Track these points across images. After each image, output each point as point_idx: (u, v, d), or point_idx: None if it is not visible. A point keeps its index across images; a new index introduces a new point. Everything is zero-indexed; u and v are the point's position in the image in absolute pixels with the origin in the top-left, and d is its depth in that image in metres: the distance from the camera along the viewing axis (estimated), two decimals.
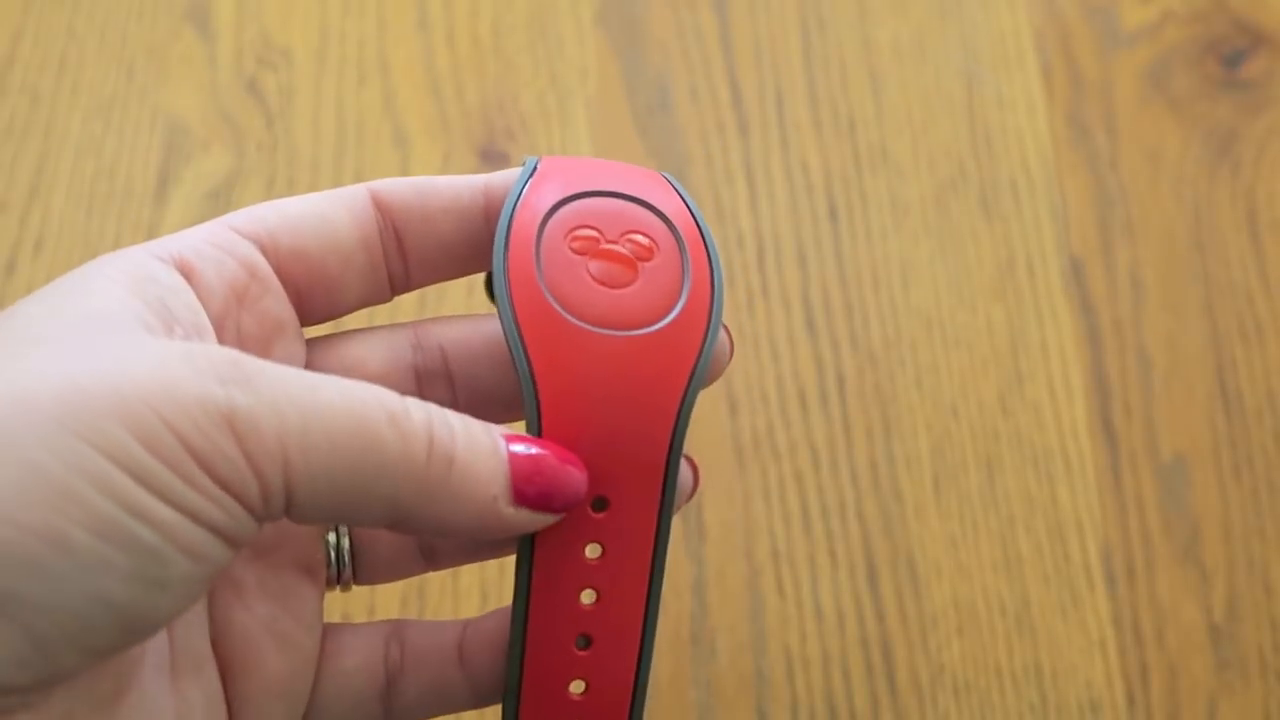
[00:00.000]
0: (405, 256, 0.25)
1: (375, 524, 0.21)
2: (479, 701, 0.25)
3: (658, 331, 0.23)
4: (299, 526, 0.24)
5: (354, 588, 0.26)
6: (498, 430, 0.22)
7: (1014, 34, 0.44)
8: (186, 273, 0.22)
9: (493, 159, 0.42)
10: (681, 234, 0.24)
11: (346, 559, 0.25)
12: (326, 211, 0.24)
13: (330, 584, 0.25)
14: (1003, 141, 0.42)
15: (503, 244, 0.23)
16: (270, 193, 0.42)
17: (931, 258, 0.41)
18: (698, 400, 0.23)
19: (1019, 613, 0.37)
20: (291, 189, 0.42)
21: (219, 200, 0.42)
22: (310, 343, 0.25)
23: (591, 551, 0.23)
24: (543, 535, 0.23)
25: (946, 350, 0.40)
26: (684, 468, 0.24)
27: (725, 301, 0.24)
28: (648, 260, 0.23)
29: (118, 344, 0.19)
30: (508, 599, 0.37)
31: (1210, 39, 0.44)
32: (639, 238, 0.24)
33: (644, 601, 0.23)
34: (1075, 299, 0.40)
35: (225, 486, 0.19)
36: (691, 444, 0.38)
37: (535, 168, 0.25)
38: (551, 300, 0.23)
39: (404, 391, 0.23)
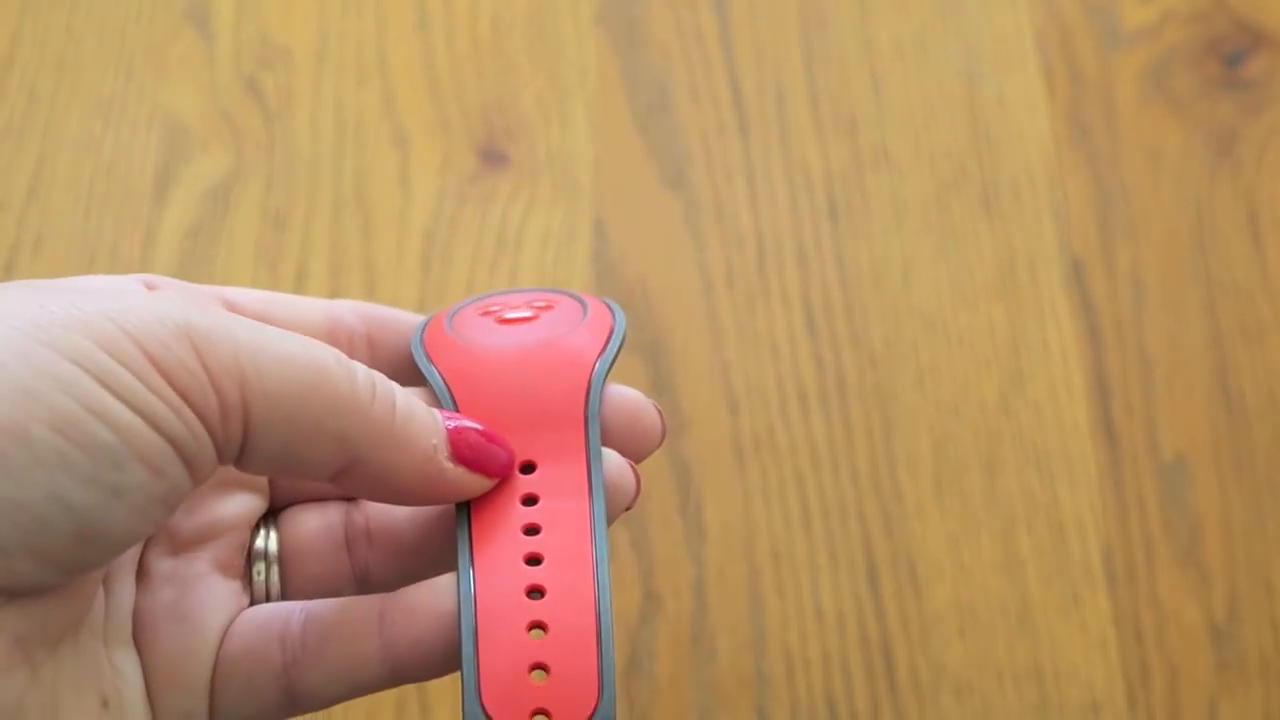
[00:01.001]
0: (373, 356, 0.26)
1: (326, 468, 0.21)
2: (395, 679, 0.23)
3: (559, 338, 0.25)
4: (221, 528, 0.24)
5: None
6: (435, 412, 0.23)
7: (1015, 34, 0.44)
8: None
9: (492, 159, 0.42)
10: (582, 296, 0.27)
11: (276, 579, 0.25)
12: (301, 302, 0.26)
13: (257, 597, 0.25)
14: (1004, 141, 0.42)
15: (420, 331, 0.26)
16: (269, 192, 0.42)
17: (932, 257, 0.41)
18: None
19: (1020, 613, 0.37)
20: (291, 188, 0.42)
21: (218, 200, 0.42)
22: None
23: (527, 503, 0.24)
24: (477, 499, 0.24)
25: (947, 350, 0.40)
26: (626, 472, 0.24)
27: (722, 293, 0.24)
28: (549, 310, 0.26)
29: (79, 287, 0.20)
30: None
31: (1211, 39, 0.43)
32: (538, 302, 0.26)
33: (590, 543, 0.23)
34: (1076, 299, 0.40)
35: (184, 395, 0.19)
36: (692, 444, 0.38)
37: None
38: (456, 337, 0.25)
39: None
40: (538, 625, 0.23)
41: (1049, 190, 0.42)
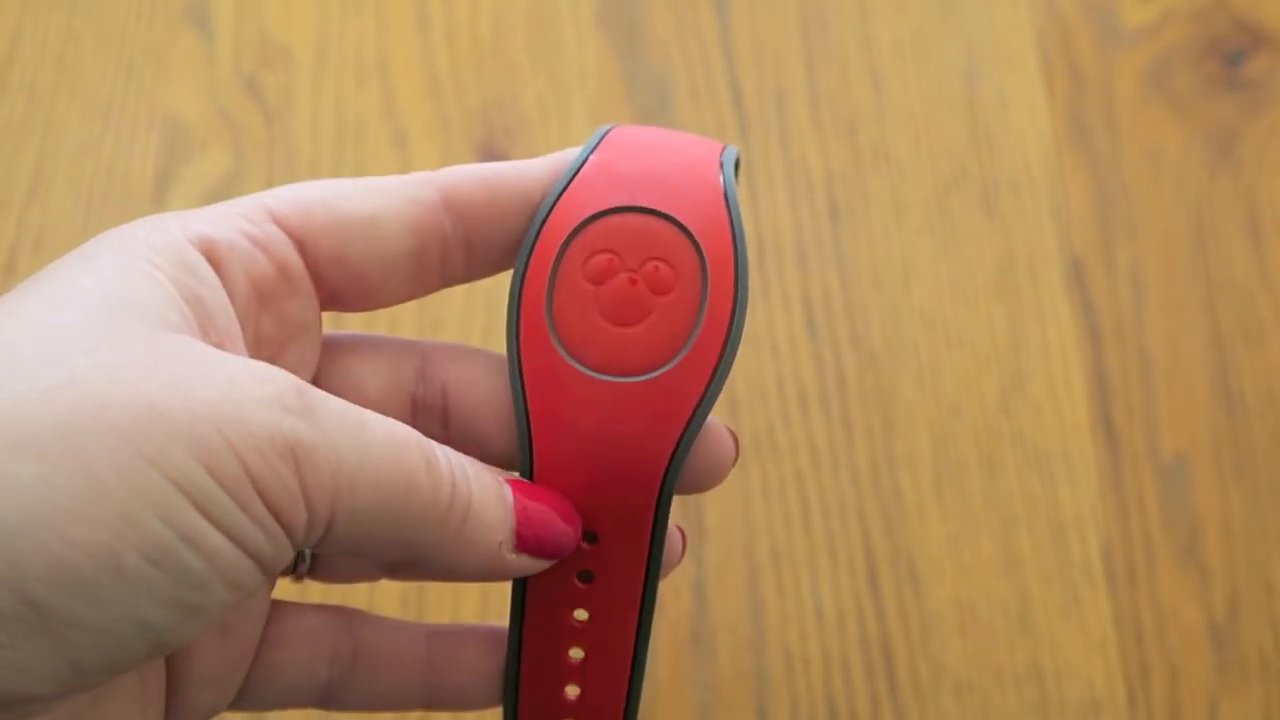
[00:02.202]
0: (470, 258, 0.24)
1: (383, 562, 0.21)
2: (427, 707, 0.25)
3: (658, 378, 0.22)
4: None
5: (327, 585, 0.26)
6: (503, 477, 0.22)
7: (1015, 34, 0.44)
8: (215, 264, 0.21)
9: (492, 159, 0.42)
10: (708, 263, 0.23)
11: (308, 555, 0.25)
12: (380, 215, 0.23)
13: (285, 573, 0.25)
14: (1004, 141, 0.42)
15: (521, 272, 0.23)
16: None
17: (932, 257, 0.41)
18: None
19: (1020, 613, 0.37)
20: None
21: (218, 199, 0.41)
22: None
23: (583, 578, 0.24)
24: (534, 585, 0.24)
25: (948, 350, 0.40)
26: (672, 533, 0.24)
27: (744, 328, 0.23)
28: (664, 294, 0.23)
29: (187, 357, 0.19)
30: (508, 598, 0.37)
31: (1211, 39, 0.43)
32: (660, 265, 0.23)
33: (635, 624, 0.24)
34: (1076, 298, 0.40)
35: (278, 515, 0.19)
36: None
37: (588, 155, 0.24)
38: (556, 342, 0.23)
39: (397, 418, 0.24)
40: (571, 711, 0.24)
41: (1049, 190, 0.42)
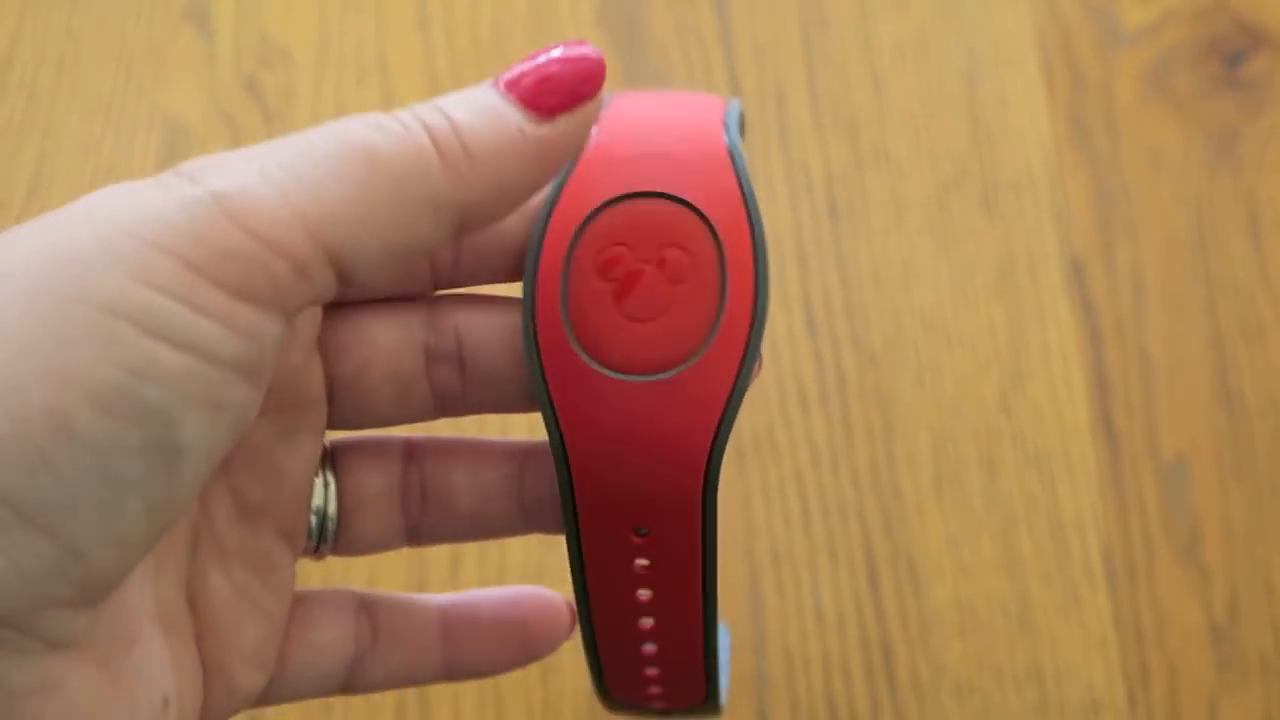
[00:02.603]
0: (457, 258, 0.23)
1: (444, 240, 0.19)
2: (449, 679, 0.25)
3: (686, 372, 0.21)
4: (285, 484, 0.23)
5: (352, 569, 0.26)
6: (484, 85, 0.20)
7: (1015, 34, 0.44)
8: None
9: None
10: (724, 242, 0.22)
11: (331, 529, 0.24)
12: None
13: (306, 552, 0.24)
14: (1004, 141, 0.42)
15: (532, 275, 0.22)
16: None
17: (932, 257, 0.41)
18: None
19: (1020, 613, 0.37)
20: None
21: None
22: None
23: (641, 563, 0.23)
24: (591, 550, 0.23)
25: (948, 350, 0.40)
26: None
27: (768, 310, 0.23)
28: (682, 282, 0.22)
29: (82, 202, 0.17)
30: (501, 556, 0.36)
31: (1211, 39, 0.43)
32: (674, 251, 0.22)
33: (700, 596, 0.23)
34: (1076, 299, 0.40)
35: (240, 292, 0.16)
36: None
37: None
38: (576, 347, 0.22)
39: (412, 370, 0.23)
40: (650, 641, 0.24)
41: (1049, 190, 0.42)
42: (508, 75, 0.19)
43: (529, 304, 0.22)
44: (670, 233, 0.22)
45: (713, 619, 0.24)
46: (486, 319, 0.23)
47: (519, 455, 0.24)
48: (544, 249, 0.22)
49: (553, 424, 0.22)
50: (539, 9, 0.44)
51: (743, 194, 0.22)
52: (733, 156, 0.23)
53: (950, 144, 0.42)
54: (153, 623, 0.20)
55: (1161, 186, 0.42)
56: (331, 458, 0.24)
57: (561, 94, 0.19)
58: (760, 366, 0.23)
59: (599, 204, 0.22)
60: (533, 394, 0.22)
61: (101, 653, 0.18)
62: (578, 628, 0.25)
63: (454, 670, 0.25)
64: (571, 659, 0.36)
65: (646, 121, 0.23)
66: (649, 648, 0.24)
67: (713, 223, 0.22)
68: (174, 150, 0.42)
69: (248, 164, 0.17)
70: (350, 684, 0.24)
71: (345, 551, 0.25)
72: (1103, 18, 0.44)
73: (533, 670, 0.36)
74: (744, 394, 0.22)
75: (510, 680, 0.36)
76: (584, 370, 0.22)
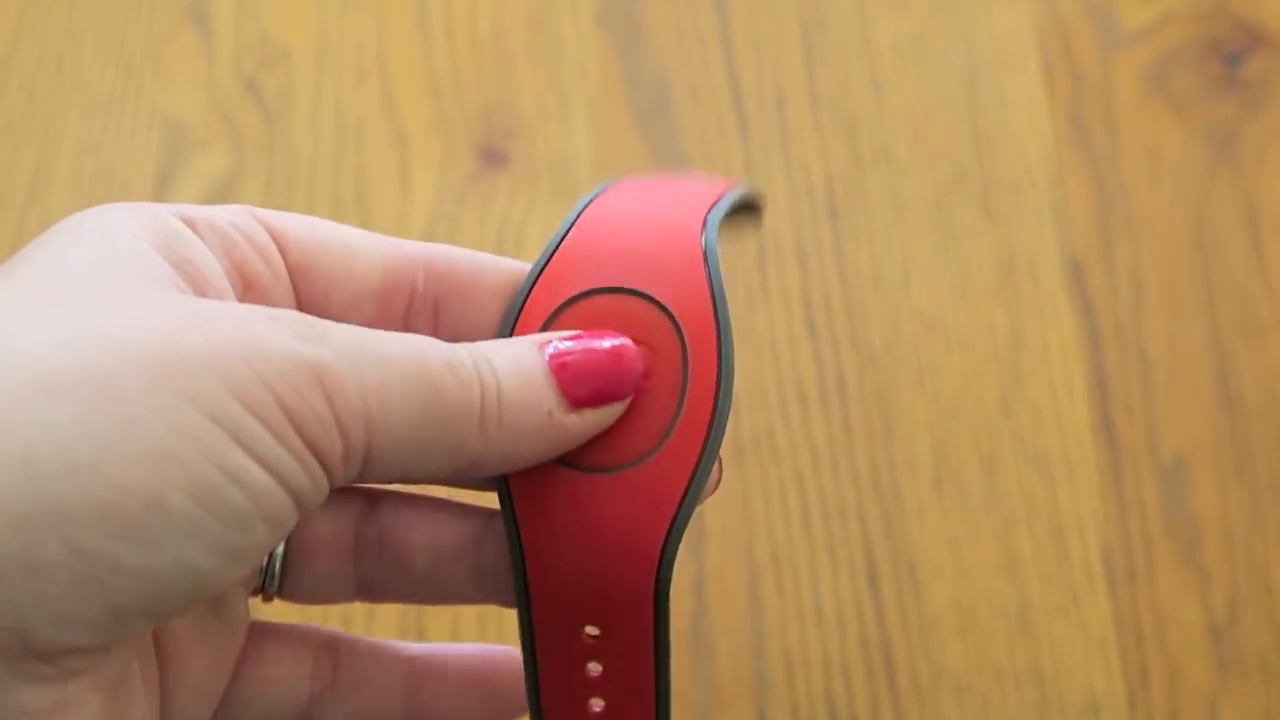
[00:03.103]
0: (437, 324, 0.24)
1: (443, 475, 0.20)
2: None
3: (642, 467, 0.21)
4: None
5: (308, 605, 0.25)
6: (533, 340, 0.21)
7: (1015, 34, 0.44)
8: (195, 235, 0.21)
9: (492, 159, 0.42)
10: (688, 340, 0.22)
11: (276, 572, 0.24)
12: (356, 244, 0.23)
13: (254, 591, 0.24)
14: (1004, 141, 0.42)
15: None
16: (269, 192, 0.42)
17: (932, 258, 0.41)
18: None
19: (1020, 614, 0.37)
20: (291, 188, 0.42)
21: (218, 200, 0.42)
22: None
23: (594, 668, 0.23)
24: (543, 646, 0.23)
25: (947, 350, 0.40)
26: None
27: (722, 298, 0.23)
28: (644, 379, 0.22)
29: (193, 302, 0.18)
30: (501, 613, 0.37)
31: (1211, 39, 0.43)
32: (640, 349, 0.22)
33: (652, 703, 0.23)
34: (1076, 299, 0.40)
35: (313, 446, 0.18)
36: None
37: (567, 232, 0.23)
38: None
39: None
40: None
41: (1049, 190, 0.42)
42: (555, 349, 0.21)
43: None
44: (636, 329, 0.22)
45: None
46: (460, 274, 0.24)
47: (481, 520, 0.24)
48: (513, 336, 0.23)
49: (508, 511, 0.22)
50: (539, 9, 0.44)
51: (712, 296, 0.22)
52: (706, 257, 0.23)
53: (950, 144, 0.42)
54: (137, 651, 0.21)
55: (1161, 186, 0.42)
56: None
57: (597, 391, 0.21)
58: (721, 472, 0.23)
59: (568, 298, 0.22)
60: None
61: (111, 678, 0.19)
62: None
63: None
64: None
65: (626, 216, 0.23)
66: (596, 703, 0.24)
67: (679, 322, 0.22)
68: (174, 150, 0.42)
69: (346, 350, 0.19)
70: None
71: (295, 597, 0.25)
72: (1103, 18, 0.44)
73: None
74: (699, 495, 0.22)
75: None
76: (545, 466, 0.22)
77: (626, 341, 0.21)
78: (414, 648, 0.25)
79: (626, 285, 0.22)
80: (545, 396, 0.21)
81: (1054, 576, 0.37)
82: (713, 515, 0.38)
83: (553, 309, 0.22)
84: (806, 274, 0.41)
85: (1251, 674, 0.36)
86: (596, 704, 0.23)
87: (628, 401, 0.21)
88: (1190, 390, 0.39)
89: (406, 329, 0.23)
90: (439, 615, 0.37)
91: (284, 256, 0.23)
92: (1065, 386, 0.39)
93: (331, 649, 0.24)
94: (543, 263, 0.23)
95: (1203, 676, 0.36)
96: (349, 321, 0.22)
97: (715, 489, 0.23)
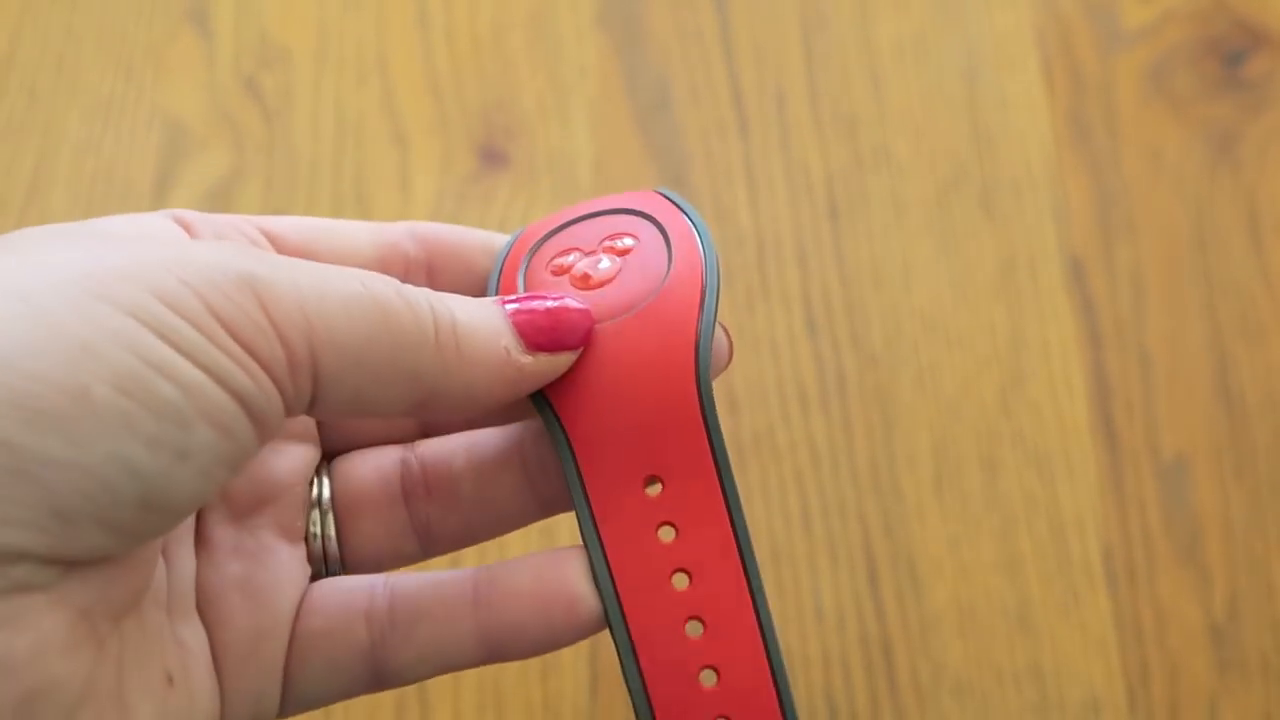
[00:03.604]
0: (433, 286, 0.24)
1: (402, 407, 0.20)
2: (490, 659, 0.23)
3: (646, 307, 0.22)
4: (279, 487, 0.23)
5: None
6: (491, 299, 0.22)
7: (1015, 34, 0.44)
8: (186, 230, 0.22)
9: (492, 158, 0.42)
10: (662, 221, 0.24)
11: (332, 539, 0.24)
12: (346, 226, 0.24)
13: (316, 566, 0.24)
14: (1004, 141, 0.42)
15: (493, 288, 0.24)
16: (269, 192, 0.42)
17: (932, 257, 0.41)
18: None
19: (1020, 613, 0.37)
20: (291, 188, 0.42)
21: (218, 199, 0.42)
22: None
23: (665, 534, 0.22)
24: (609, 529, 0.22)
25: (948, 350, 0.40)
26: (719, 337, 0.23)
27: (722, 291, 0.23)
28: (627, 254, 0.24)
29: (138, 238, 0.19)
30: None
31: (1211, 39, 0.43)
32: (617, 241, 0.24)
33: (741, 567, 0.22)
34: (1076, 298, 0.40)
35: (250, 350, 0.18)
36: None
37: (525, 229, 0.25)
38: None
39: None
40: (708, 668, 0.22)
41: (1049, 190, 0.42)
42: (514, 302, 0.22)
43: None
44: (616, 229, 0.24)
45: (763, 603, 0.22)
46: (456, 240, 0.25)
47: (515, 428, 0.24)
48: (501, 276, 0.24)
49: (539, 394, 0.22)
50: (539, 9, 0.44)
51: (673, 203, 0.24)
52: (663, 192, 0.25)
53: (950, 144, 0.42)
54: (156, 606, 0.20)
55: (1161, 186, 0.42)
56: (327, 460, 0.25)
57: (552, 337, 0.22)
58: (731, 345, 0.23)
59: (546, 231, 0.24)
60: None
61: (79, 604, 0.18)
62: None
63: (492, 644, 0.23)
64: (571, 658, 0.36)
65: (570, 207, 0.25)
66: (705, 662, 0.22)
67: (648, 212, 0.24)
68: (174, 150, 0.42)
69: (281, 265, 0.19)
70: (380, 673, 0.23)
71: (354, 554, 0.24)
72: (1103, 18, 0.44)
73: (533, 668, 0.36)
74: (714, 307, 0.22)
75: (510, 679, 0.36)
76: None
77: (575, 301, 0.23)
78: (468, 571, 0.24)
79: (594, 211, 0.24)
80: (503, 334, 0.21)
81: (1054, 575, 0.37)
82: None
83: (535, 241, 0.24)
84: (806, 274, 0.41)
85: (1251, 673, 0.36)
86: (680, 581, 0.22)
87: (579, 351, 0.22)
88: (1190, 389, 0.39)
89: None
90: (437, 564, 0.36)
91: (281, 247, 0.23)
92: (1065, 386, 0.39)
93: (387, 587, 0.23)
94: (515, 234, 0.25)
95: (1203, 676, 0.36)
96: None
97: (729, 356, 0.23)
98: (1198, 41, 0.44)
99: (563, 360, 0.22)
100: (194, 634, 0.21)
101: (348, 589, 0.23)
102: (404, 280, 0.23)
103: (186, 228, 0.22)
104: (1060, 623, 0.36)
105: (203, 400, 0.18)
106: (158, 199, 0.42)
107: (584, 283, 0.23)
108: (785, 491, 0.38)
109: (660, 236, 0.24)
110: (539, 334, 0.22)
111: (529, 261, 0.24)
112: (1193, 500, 0.38)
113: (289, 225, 0.24)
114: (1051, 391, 0.39)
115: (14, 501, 0.16)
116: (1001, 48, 0.44)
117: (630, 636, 0.22)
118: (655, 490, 0.22)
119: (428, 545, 0.25)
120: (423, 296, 0.21)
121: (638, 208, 0.24)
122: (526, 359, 0.22)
